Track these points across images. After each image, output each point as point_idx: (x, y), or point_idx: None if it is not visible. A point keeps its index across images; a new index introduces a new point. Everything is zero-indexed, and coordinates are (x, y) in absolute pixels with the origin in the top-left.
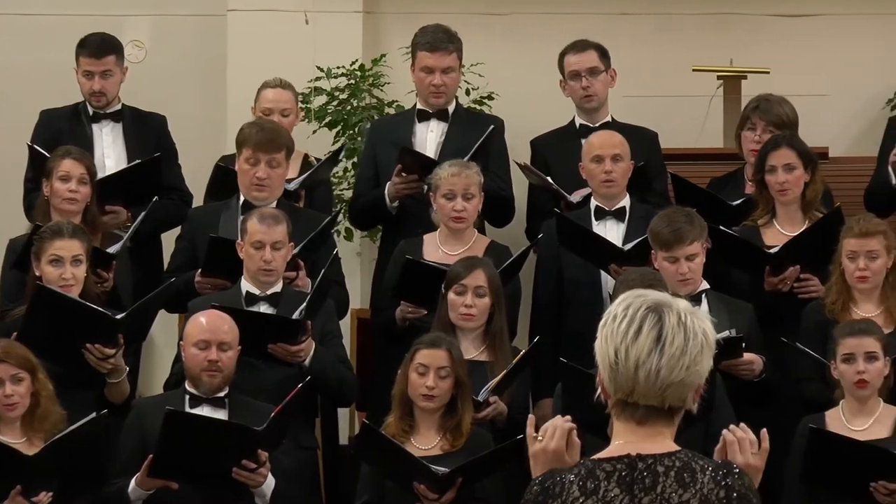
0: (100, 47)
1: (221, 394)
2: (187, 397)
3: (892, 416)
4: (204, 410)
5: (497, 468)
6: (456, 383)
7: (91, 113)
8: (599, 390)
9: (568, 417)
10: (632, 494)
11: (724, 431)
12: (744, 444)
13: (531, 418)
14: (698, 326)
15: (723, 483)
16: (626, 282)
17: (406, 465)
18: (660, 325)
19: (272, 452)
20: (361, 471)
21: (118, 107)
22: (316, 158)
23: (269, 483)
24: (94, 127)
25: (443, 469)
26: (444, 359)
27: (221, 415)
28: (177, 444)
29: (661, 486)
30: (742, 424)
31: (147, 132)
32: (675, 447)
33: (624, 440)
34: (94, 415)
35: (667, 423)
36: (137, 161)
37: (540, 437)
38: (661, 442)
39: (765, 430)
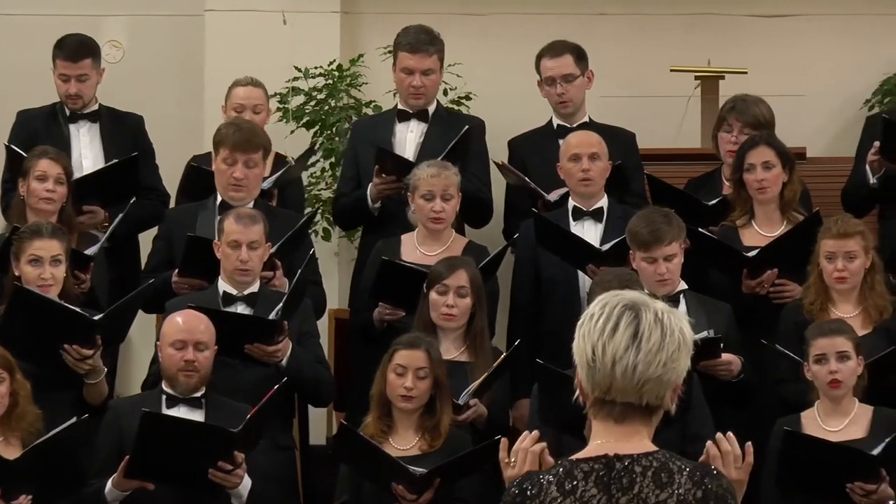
0: (76, 51)
1: (198, 394)
2: (164, 397)
3: (867, 416)
4: (181, 411)
5: (475, 469)
6: (434, 384)
7: (68, 113)
8: (578, 392)
9: (536, 435)
10: (609, 494)
11: (709, 444)
12: (727, 459)
13: (503, 443)
14: (675, 324)
15: (700, 484)
16: (602, 283)
17: (384, 466)
18: (637, 322)
19: (248, 453)
20: (340, 471)
21: (95, 107)
22: (291, 157)
23: (246, 484)
24: (72, 127)
25: (420, 470)
26: (422, 359)
27: (198, 415)
28: (153, 445)
29: (638, 486)
30: (729, 434)
31: (124, 132)
32: (652, 447)
33: (602, 440)
34: (74, 419)
35: (644, 422)
36: (115, 161)
37: (512, 463)
38: (638, 442)
39: (749, 444)
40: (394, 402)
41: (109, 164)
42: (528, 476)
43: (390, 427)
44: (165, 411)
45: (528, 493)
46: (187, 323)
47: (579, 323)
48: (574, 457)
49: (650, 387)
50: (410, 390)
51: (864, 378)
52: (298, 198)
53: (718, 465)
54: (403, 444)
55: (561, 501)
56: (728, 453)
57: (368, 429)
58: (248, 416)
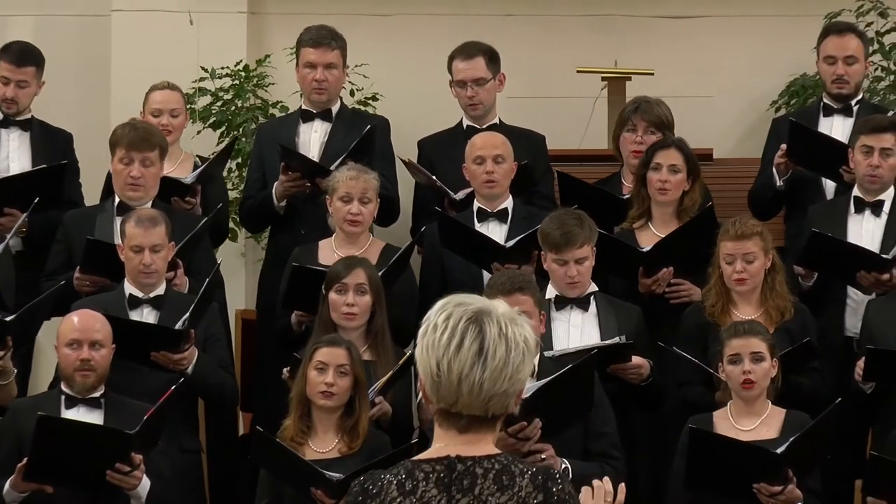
0: (21, 56)
1: (97, 394)
2: (63, 398)
3: (779, 417)
4: (80, 411)
5: None
6: (354, 383)
7: (1, 117)
8: (420, 395)
9: None
10: (449, 495)
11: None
12: (598, 493)
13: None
14: (519, 335)
15: (542, 488)
16: (496, 284)
17: (302, 471)
18: (481, 337)
19: (147, 454)
20: (261, 474)
21: (28, 116)
22: (203, 159)
23: (145, 485)
24: (3, 131)
25: (338, 475)
26: (343, 357)
27: (97, 415)
28: (49, 448)
29: (479, 487)
30: (606, 479)
31: (53, 146)
32: (495, 450)
33: (444, 444)
34: None
35: (489, 430)
36: (43, 166)
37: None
38: (482, 446)
39: (622, 485)
40: (314, 401)
41: (38, 168)
42: (370, 475)
43: (310, 428)
44: (64, 412)
45: (370, 491)
46: (82, 322)
47: (421, 332)
48: (416, 457)
49: (496, 401)
50: (331, 386)
51: (777, 380)
52: (220, 195)
53: (588, 495)
54: (323, 446)
55: (401, 502)
56: (599, 488)
57: (288, 431)
58: (145, 416)
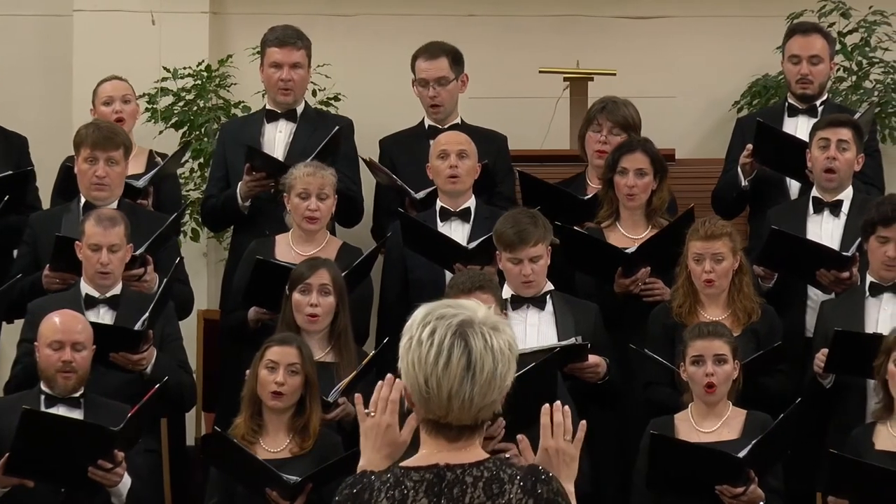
0: None
1: (77, 394)
2: (42, 398)
3: (740, 419)
4: (59, 411)
5: (347, 473)
6: (305, 382)
7: None
8: (406, 401)
9: (398, 382)
10: None
11: (543, 410)
12: (557, 431)
13: (358, 396)
14: (504, 343)
15: (532, 492)
16: (456, 284)
17: (256, 472)
18: (468, 352)
19: (128, 452)
20: (210, 473)
21: None
22: (162, 156)
23: (126, 482)
24: None
25: (294, 478)
26: (294, 356)
27: (77, 415)
28: (33, 442)
29: (468, 496)
30: (566, 408)
31: (9, 150)
32: (483, 455)
33: (432, 451)
34: None
35: (477, 435)
36: (9, 172)
37: (371, 413)
38: (470, 451)
39: (583, 422)
40: (264, 401)
41: (4, 174)
42: (360, 477)
43: (261, 427)
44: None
45: (359, 498)
46: (64, 323)
47: (404, 345)
48: (404, 464)
49: (486, 410)
50: (282, 385)
51: (738, 382)
52: (175, 194)
53: (546, 434)
54: (274, 446)
55: None
56: (559, 425)
57: (239, 430)
58: (129, 414)
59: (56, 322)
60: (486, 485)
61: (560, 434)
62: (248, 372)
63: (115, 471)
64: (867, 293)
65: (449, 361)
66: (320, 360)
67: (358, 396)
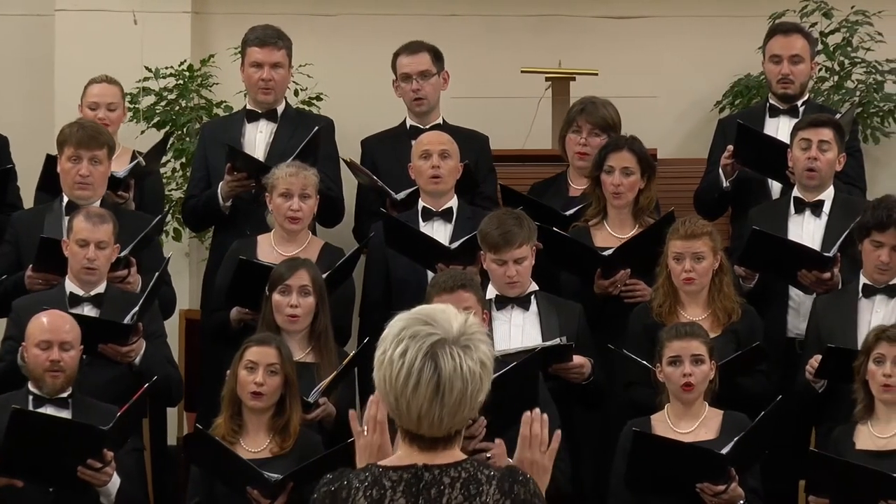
0: None
1: (65, 394)
2: (31, 398)
3: (717, 419)
4: (48, 411)
5: (327, 472)
6: (285, 382)
7: None
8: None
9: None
10: None
11: (524, 418)
12: (534, 442)
13: (352, 413)
14: (475, 363)
15: (509, 493)
16: (438, 283)
17: (238, 470)
18: (437, 375)
19: (117, 451)
20: (192, 472)
21: None
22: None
23: (115, 482)
24: None
25: (275, 476)
26: (273, 356)
27: (65, 415)
28: (22, 442)
29: (446, 497)
30: (544, 417)
31: None
32: (461, 456)
33: (410, 451)
34: None
35: (454, 441)
36: None
37: (365, 431)
38: (448, 453)
39: (558, 431)
40: (244, 401)
41: None
42: (339, 475)
43: (241, 427)
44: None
45: (338, 496)
46: (52, 323)
47: (378, 357)
48: (382, 463)
49: (457, 424)
50: (261, 386)
51: (715, 382)
52: (158, 191)
53: (525, 446)
54: (254, 446)
55: None
56: (536, 437)
57: (219, 429)
58: (118, 413)
59: (44, 322)
60: (464, 485)
61: (536, 446)
62: (228, 372)
63: (105, 470)
64: (860, 294)
65: (418, 384)
66: (300, 361)
67: (352, 413)
